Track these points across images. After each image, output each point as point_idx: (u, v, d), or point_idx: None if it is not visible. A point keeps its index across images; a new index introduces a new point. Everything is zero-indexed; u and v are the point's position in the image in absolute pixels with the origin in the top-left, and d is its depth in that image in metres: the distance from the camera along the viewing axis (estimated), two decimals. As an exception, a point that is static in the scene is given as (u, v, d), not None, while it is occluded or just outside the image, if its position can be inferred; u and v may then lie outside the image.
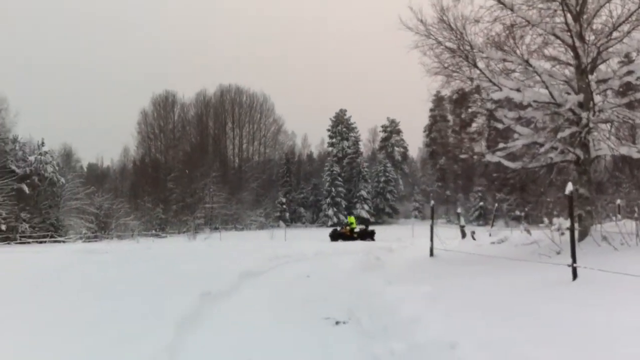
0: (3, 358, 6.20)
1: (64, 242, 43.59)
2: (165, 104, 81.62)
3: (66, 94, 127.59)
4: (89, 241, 45.03)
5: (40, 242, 42.46)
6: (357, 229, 35.23)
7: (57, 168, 48.38)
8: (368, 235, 34.02)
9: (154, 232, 55.27)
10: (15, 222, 43.46)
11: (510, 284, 9.24)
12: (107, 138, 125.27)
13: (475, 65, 13.37)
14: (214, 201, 64.76)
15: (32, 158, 46.73)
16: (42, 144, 48.77)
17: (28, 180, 45.20)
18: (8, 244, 41.10)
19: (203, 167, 67.14)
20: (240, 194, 69.71)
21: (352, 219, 37.05)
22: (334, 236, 34.22)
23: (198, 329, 8.18)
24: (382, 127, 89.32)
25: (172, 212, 61.62)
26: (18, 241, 42.28)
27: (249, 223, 66.94)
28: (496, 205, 36.05)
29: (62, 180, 48.14)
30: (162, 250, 29.20)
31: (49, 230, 45.05)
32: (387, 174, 78.96)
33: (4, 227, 42.25)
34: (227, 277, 13.34)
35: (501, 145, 13.48)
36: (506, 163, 13.35)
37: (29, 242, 42.19)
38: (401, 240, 30.63)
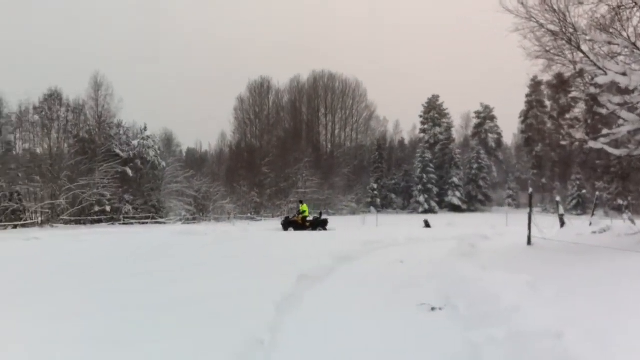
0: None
1: (164, 223, 44.75)
2: (260, 90, 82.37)
3: (168, 80, 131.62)
4: (187, 223, 46.04)
5: (143, 224, 43.74)
6: (310, 218, 33.00)
7: (158, 152, 49.65)
8: (320, 224, 32.15)
9: (249, 215, 55.94)
10: (119, 204, 44.95)
11: (614, 274, 8.72)
12: (206, 124, 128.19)
13: (578, 49, 12.52)
14: (306, 186, 64.88)
15: (135, 142, 48.12)
16: (145, 129, 50.16)
17: (131, 164, 46.62)
18: (112, 224, 42.63)
19: (296, 153, 67.39)
20: (332, 179, 69.54)
21: (304, 207, 34.16)
22: (285, 224, 32.43)
23: (296, 310, 8.30)
24: (476, 113, 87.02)
25: (267, 196, 62.16)
26: (122, 222, 43.73)
27: (341, 208, 66.71)
28: (597, 194, 34.10)
29: (163, 164, 49.40)
30: (257, 233, 29.48)
31: (151, 211, 46.35)
32: (480, 160, 76.83)
33: (108, 209, 43.76)
34: (321, 261, 13.51)
35: (605, 131, 12.77)
36: (610, 150, 12.69)
37: (131, 223, 43.55)
38: (495, 228, 29.47)
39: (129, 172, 46.00)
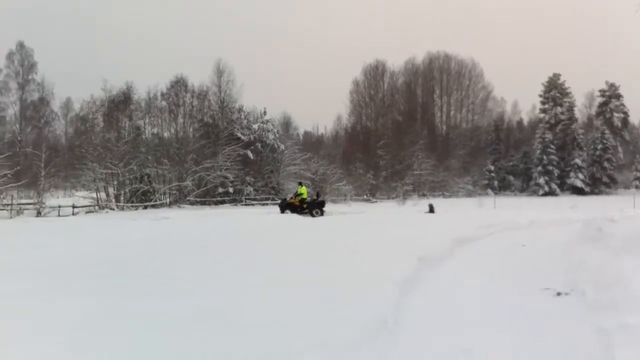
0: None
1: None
2: (375, 73, 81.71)
3: (286, 66, 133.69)
4: (305, 204, 46.52)
5: (263, 204, 44.62)
6: (307, 199, 30.78)
7: (277, 135, 50.51)
8: (317, 206, 30.17)
9: (365, 197, 55.77)
10: (241, 185, 46.10)
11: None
12: (322, 107, 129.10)
13: None
14: (422, 168, 63.84)
15: (255, 126, 49.16)
16: (264, 113, 51.10)
17: (252, 147, 47.68)
18: (235, 205, 43.79)
19: (411, 135, 66.41)
20: (447, 161, 68.03)
21: (303, 189, 31.57)
22: (283, 207, 30.71)
23: (418, 290, 8.16)
24: (600, 91, 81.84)
25: (382, 178, 61.74)
26: (243, 203, 44.85)
27: (457, 190, 65.23)
28: None
29: (282, 146, 50.16)
30: (374, 215, 29.19)
31: (271, 193, 47.21)
32: (604, 141, 72.32)
33: (231, 190, 44.99)
34: (440, 243, 13.19)
35: None
36: None
37: (252, 204, 44.53)
38: (623, 211, 27.51)
39: (250, 155, 47.10)
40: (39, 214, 34.79)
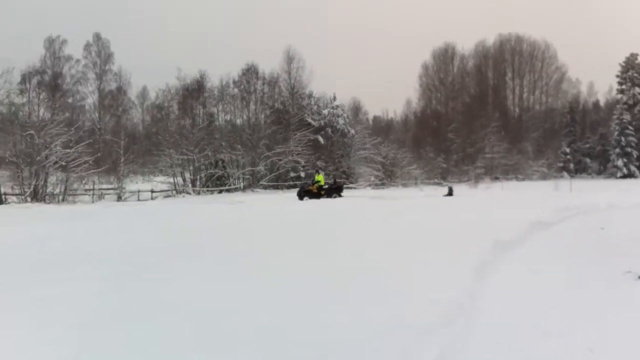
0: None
1: (354, 188, 45.39)
2: (444, 56, 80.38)
3: (355, 50, 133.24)
4: (376, 188, 46.40)
5: (334, 188, 44.76)
6: (325, 186, 32.14)
7: (347, 120, 50.47)
8: (335, 191, 31.71)
9: (435, 180, 55.12)
10: (312, 170, 46.32)
11: None
12: (391, 92, 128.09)
13: None
14: (494, 151, 62.49)
15: (325, 111, 49.27)
16: (334, 98, 51.16)
17: (322, 132, 47.80)
18: (307, 189, 44.10)
19: (482, 118, 65.05)
20: (520, 144, 66.33)
21: (320, 177, 32.93)
22: (301, 194, 31.34)
23: (495, 275, 7.92)
24: (682, 70, 78.04)
25: (453, 161, 60.89)
26: (315, 187, 45.11)
27: (530, 173, 63.61)
28: None
29: (352, 131, 50.10)
30: (445, 198, 28.81)
31: (341, 177, 47.27)
32: (688, 121, 69.02)
33: (303, 174, 45.28)
34: (515, 226, 12.72)
35: None
36: None
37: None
38: None
39: (321, 139, 47.25)
40: (119, 198, 35.97)
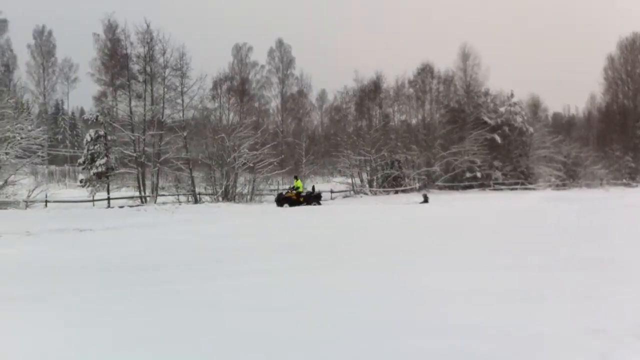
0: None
1: (533, 189, 43.57)
2: (632, 47, 74.03)
3: (533, 45, 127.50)
4: (557, 189, 44.12)
5: (512, 189, 43.24)
6: (303, 193, 30.55)
7: (525, 118, 48.51)
8: (314, 199, 30.15)
9: (623, 181, 51.21)
10: (489, 170, 45.13)
11: None
12: (572, 87, 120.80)
13: None
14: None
15: (502, 109, 47.71)
16: (511, 95, 49.38)
17: (499, 131, 46.33)
18: (483, 190, 43.02)
19: (678, 112, 59.33)
20: None
21: (298, 182, 31.12)
22: (280, 201, 29.90)
23: None
24: None
25: (643, 160, 56.22)
26: (492, 188, 43.87)
27: None
28: None
29: (531, 129, 48.00)
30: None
31: (519, 178, 45.56)
32: None
33: (479, 175, 44.27)
34: None
35: None
36: None
37: (501, 189, 43.37)
38: None
39: (497, 139, 45.81)
40: (301, 198, 37.49)
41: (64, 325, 5.26)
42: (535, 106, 65.67)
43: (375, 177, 42.46)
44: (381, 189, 41.25)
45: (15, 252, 11.56)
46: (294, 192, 30.30)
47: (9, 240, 14.14)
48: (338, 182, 43.03)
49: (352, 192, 40.63)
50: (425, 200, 30.59)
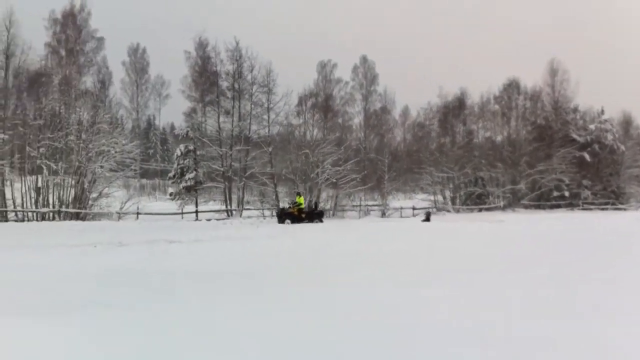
0: None
1: (624, 209, 41.81)
2: None
3: (624, 60, 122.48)
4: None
5: (602, 209, 41.61)
6: (305, 209, 30.37)
7: (616, 136, 46.59)
8: (316, 216, 29.79)
9: None
10: (577, 189, 43.63)
11: None
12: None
13: None
14: None
15: (592, 126, 46.12)
16: (602, 112, 47.68)
17: (589, 149, 44.75)
18: (571, 209, 41.62)
19: None
20: None
21: (301, 199, 30.71)
22: (281, 216, 29.41)
23: None
24: None
25: None
26: (580, 207, 42.38)
27: None
28: None
29: (622, 147, 46.05)
30: None
31: (610, 197, 43.78)
32: None
33: (567, 194, 42.87)
34: None
35: None
36: None
37: (590, 209, 41.83)
38: None
39: (587, 157, 44.25)
40: (383, 214, 37.41)
41: (159, 331, 5.55)
42: (627, 123, 62.83)
43: (458, 195, 41.87)
44: (464, 207, 40.61)
45: (110, 262, 12.15)
46: (296, 208, 29.86)
47: (104, 249, 14.86)
48: (420, 199, 42.64)
49: (434, 210, 40.19)
50: (427, 219, 30.03)
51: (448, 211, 39.55)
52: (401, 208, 38.42)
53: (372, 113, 67.44)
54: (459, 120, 47.12)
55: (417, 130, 54.40)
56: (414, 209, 38.40)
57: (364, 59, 69.03)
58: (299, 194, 32.21)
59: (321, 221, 29.72)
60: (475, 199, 41.21)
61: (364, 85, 68.43)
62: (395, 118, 71.34)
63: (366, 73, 68.85)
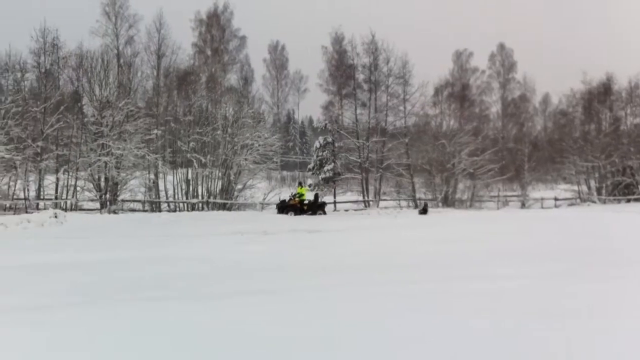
0: None
1: None
2: None
3: None
4: None
5: None
6: (306, 201, 29.02)
7: None
8: (318, 208, 28.81)
9: None
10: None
11: None
12: None
13: None
14: None
15: None
16: None
17: None
18: None
19: None
20: None
21: (302, 189, 29.80)
22: (282, 208, 28.52)
23: None
24: None
25: None
26: None
27: None
28: None
29: None
30: None
31: None
32: None
33: None
34: None
35: None
36: None
37: None
38: None
39: None
40: (523, 205, 36.32)
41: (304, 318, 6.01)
42: None
43: (604, 185, 39.61)
44: (611, 197, 38.39)
45: (259, 250, 12.98)
46: (297, 199, 28.99)
47: (251, 238, 15.80)
48: (563, 190, 40.81)
49: (578, 200, 38.36)
50: (424, 210, 28.66)
51: (593, 202, 37.60)
52: (542, 199, 37.07)
53: (510, 102, 65.27)
54: (604, 106, 44.40)
55: (559, 117, 51.90)
56: (556, 199, 36.87)
57: (502, 47, 67.02)
58: (300, 185, 31.99)
59: (324, 213, 29.06)
60: (623, 189, 38.78)
61: (501, 74, 66.45)
62: (535, 106, 68.57)
63: (504, 61, 66.78)
